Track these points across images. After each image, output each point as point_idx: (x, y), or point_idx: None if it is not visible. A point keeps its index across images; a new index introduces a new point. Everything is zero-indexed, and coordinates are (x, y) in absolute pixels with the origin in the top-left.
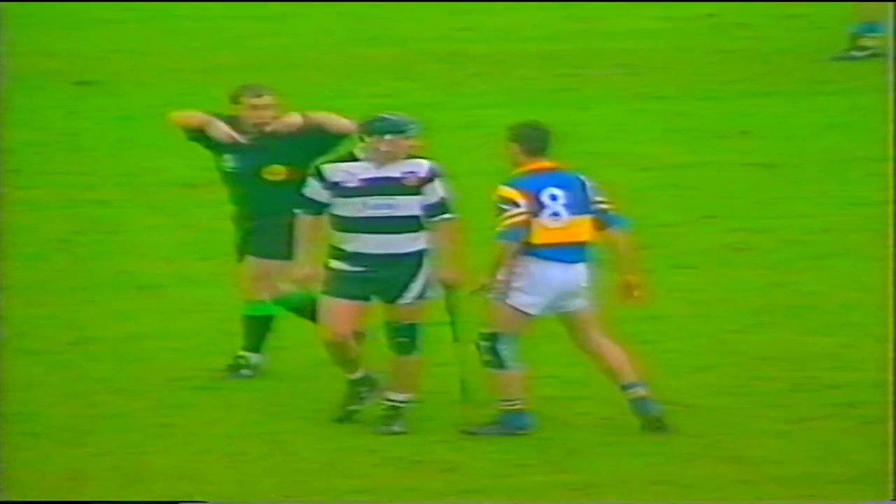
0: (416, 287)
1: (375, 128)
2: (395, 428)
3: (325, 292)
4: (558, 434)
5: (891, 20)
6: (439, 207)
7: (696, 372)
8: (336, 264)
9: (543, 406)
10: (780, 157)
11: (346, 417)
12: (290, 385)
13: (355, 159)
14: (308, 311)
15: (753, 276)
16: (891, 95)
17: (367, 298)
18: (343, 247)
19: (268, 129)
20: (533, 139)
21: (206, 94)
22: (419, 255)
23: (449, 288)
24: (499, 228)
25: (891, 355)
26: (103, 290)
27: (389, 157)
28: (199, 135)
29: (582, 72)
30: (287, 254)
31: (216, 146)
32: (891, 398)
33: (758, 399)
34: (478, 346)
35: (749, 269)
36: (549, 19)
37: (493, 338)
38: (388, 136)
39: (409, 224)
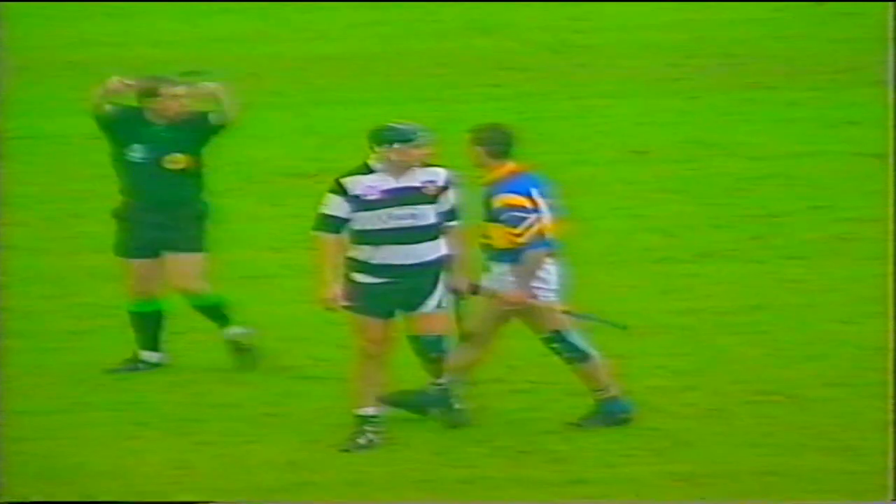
0: (436, 296)
1: (384, 137)
2: (457, 407)
3: (353, 309)
4: (666, 424)
5: (891, 20)
6: (451, 214)
7: (805, 362)
8: (361, 277)
9: (651, 396)
10: (890, 148)
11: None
12: (398, 374)
13: (370, 171)
14: (219, 313)
15: (863, 266)
16: (891, 94)
17: (391, 310)
18: (367, 259)
19: (176, 117)
20: (499, 141)
21: (311, 84)
22: (439, 262)
23: (458, 294)
24: (522, 239)
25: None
26: (210, 279)
27: (402, 167)
28: (111, 124)
29: (690, 61)
30: (193, 246)
31: (124, 136)
32: (890, 396)
33: (867, 390)
34: (555, 351)
35: (858, 260)
36: (658, 9)
37: (559, 336)
38: (396, 146)
39: (430, 232)
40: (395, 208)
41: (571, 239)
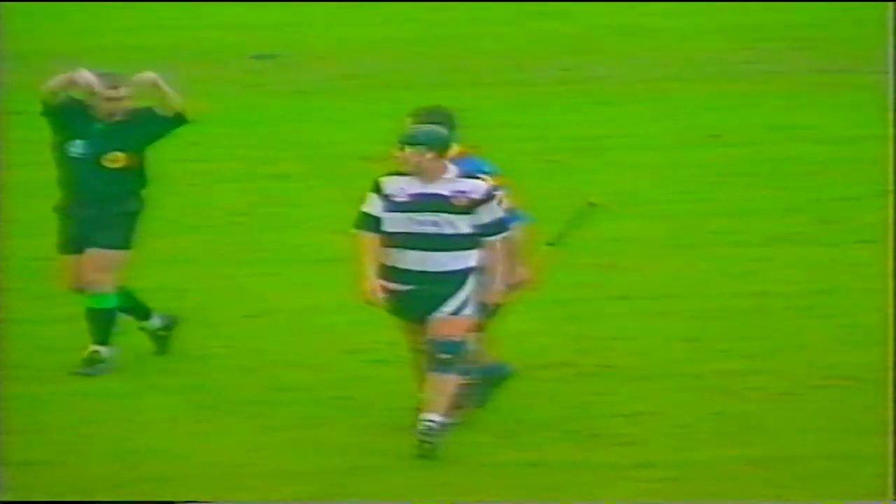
0: (452, 303)
1: (400, 138)
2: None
3: (390, 312)
4: (735, 407)
5: (891, 20)
6: (493, 227)
7: (872, 346)
8: (388, 284)
9: (720, 380)
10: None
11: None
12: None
13: (408, 172)
14: (135, 309)
15: None
16: (890, 94)
17: (422, 319)
18: (391, 264)
19: (116, 116)
20: (446, 123)
21: (379, 68)
22: (464, 272)
23: (489, 307)
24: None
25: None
26: (280, 263)
27: (416, 171)
28: (57, 113)
29: (760, 45)
30: (126, 243)
31: (68, 129)
32: (890, 398)
33: None
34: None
35: None
36: None
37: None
38: (407, 149)
39: (454, 242)
40: (418, 213)
41: (642, 222)
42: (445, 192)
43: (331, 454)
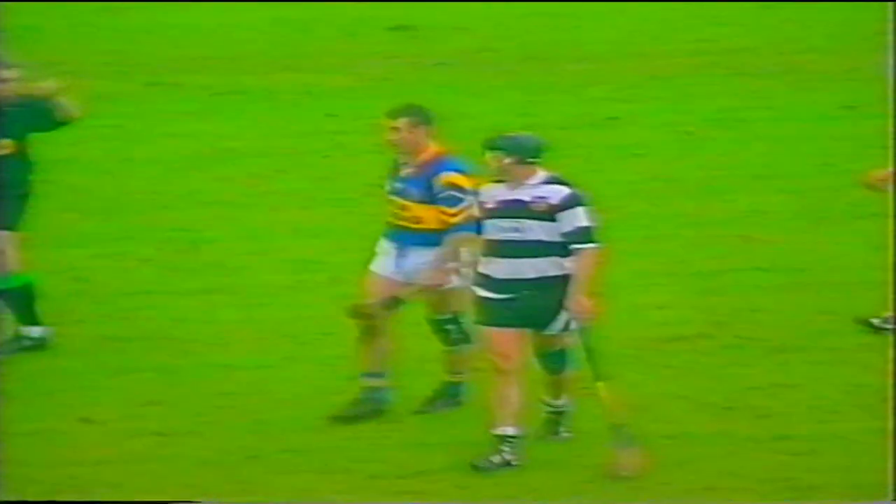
0: (563, 318)
1: (483, 143)
2: (563, 436)
3: (479, 322)
4: (875, 380)
5: (891, 20)
6: (577, 236)
7: None
8: (480, 291)
9: (858, 353)
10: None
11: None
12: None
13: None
14: (24, 302)
15: None
16: (890, 98)
17: (516, 325)
18: (482, 270)
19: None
20: (427, 121)
21: (519, 39)
22: (559, 281)
23: (577, 321)
24: (456, 220)
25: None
26: None
27: (501, 176)
28: None
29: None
30: (15, 225)
31: None
32: (890, 399)
33: None
34: (446, 332)
35: None
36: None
37: (456, 319)
38: (488, 154)
39: (536, 249)
40: (502, 220)
41: (780, 196)
42: (526, 198)
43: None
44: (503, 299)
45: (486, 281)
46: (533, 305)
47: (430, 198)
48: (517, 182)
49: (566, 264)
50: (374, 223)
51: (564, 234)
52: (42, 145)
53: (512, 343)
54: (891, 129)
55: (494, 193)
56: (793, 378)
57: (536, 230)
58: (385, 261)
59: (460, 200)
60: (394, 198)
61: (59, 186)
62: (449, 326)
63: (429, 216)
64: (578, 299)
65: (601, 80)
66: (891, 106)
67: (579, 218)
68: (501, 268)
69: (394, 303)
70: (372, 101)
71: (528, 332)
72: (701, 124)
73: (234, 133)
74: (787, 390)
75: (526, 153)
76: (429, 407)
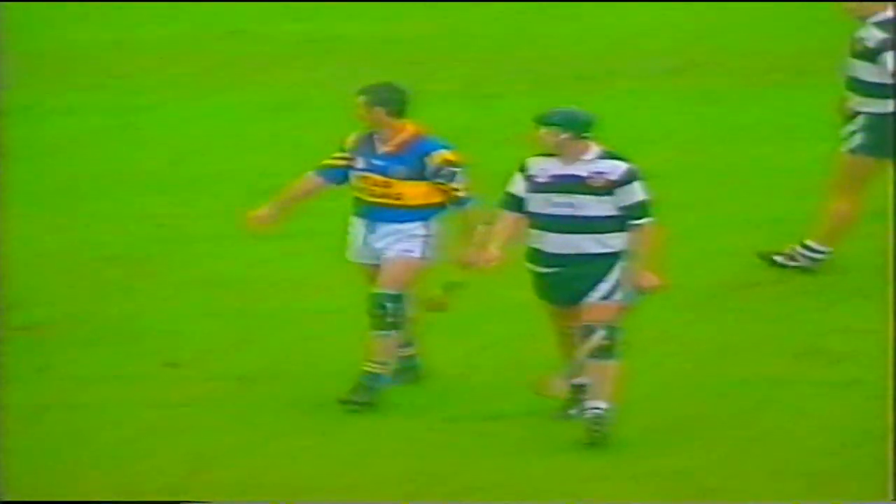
0: (603, 287)
1: (535, 118)
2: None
3: (537, 295)
4: None
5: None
6: (635, 210)
7: None
8: (531, 266)
9: None
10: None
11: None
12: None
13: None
14: None
15: None
16: (891, 100)
17: (567, 302)
18: (533, 246)
19: None
20: (398, 100)
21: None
22: (610, 256)
23: (640, 290)
24: (462, 193)
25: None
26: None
27: (554, 151)
28: None
29: None
30: None
31: None
32: (890, 396)
33: None
34: (380, 308)
35: None
36: None
37: (400, 298)
38: (542, 129)
39: (593, 225)
40: (556, 195)
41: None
42: (582, 174)
43: None
44: (552, 273)
45: (537, 256)
46: (578, 279)
47: (419, 175)
48: (572, 157)
49: (617, 240)
50: None
51: (623, 209)
52: (130, 96)
53: (570, 314)
54: (891, 131)
55: (546, 168)
56: (867, 323)
57: (592, 205)
58: (355, 245)
59: (462, 175)
60: (372, 174)
61: (142, 134)
62: (388, 304)
63: (414, 192)
64: (644, 274)
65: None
66: (891, 105)
67: (637, 193)
68: (552, 242)
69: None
70: (452, 47)
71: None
72: None
73: (321, 81)
74: (861, 335)
75: (581, 128)
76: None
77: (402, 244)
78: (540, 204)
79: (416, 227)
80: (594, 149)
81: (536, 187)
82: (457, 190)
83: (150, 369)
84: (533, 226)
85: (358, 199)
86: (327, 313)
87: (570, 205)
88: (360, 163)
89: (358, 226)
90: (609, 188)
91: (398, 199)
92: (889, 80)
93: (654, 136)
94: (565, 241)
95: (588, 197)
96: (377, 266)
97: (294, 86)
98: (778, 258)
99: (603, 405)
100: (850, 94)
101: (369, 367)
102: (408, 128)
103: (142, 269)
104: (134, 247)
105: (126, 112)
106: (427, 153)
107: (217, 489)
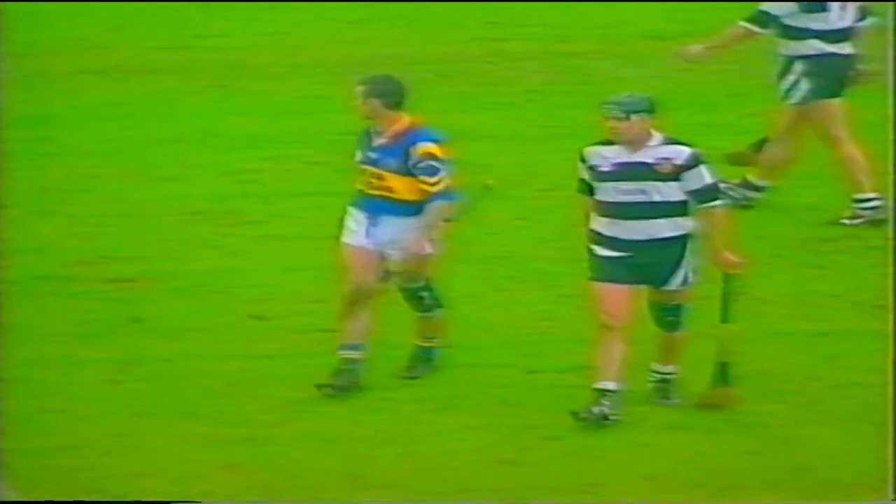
0: (681, 273)
1: (608, 108)
2: (674, 401)
3: (593, 278)
4: None
5: (891, 20)
6: (704, 194)
7: None
8: (597, 249)
9: None
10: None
11: (584, 420)
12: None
13: (612, 142)
14: None
15: None
16: (891, 99)
17: (632, 283)
18: (602, 231)
19: None
20: (395, 92)
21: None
22: (682, 240)
23: (727, 271)
24: (436, 189)
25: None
26: (573, 139)
27: (625, 140)
28: None
29: None
30: None
31: None
32: (890, 396)
33: None
34: (420, 299)
35: None
36: None
37: (430, 286)
38: (619, 118)
39: (664, 210)
40: (623, 182)
41: None
42: (649, 160)
43: None
44: (624, 257)
45: (607, 241)
46: (654, 263)
47: (406, 168)
48: (638, 144)
49: (689, 222)
50: (534, 127)
51: (692, 193)
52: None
53: (623, 301)
54: (891, 128)
55: (608, 156)
56: None
57: (662, 191)
58: (357, 231)
59: (438, 170)
60: (367, 167)
61: (233, 91)
62: (423, 294)
63: (402, 186)
64: (722, 255)
65: None
66: (891, 105)
67: (704, 176)
68: (626, 230)
69: (386, 276)
70: (529, 7)
71: (643, 289)
72: None
73: (394, 40)
74: None
75: (654, 112)
76: (408, 373)
77: (410, 238)
78: (609, 192)
79: (419, 221)
80: (657, 135)
81: (601, 176)
82: (432, 185)
83: (237, 321)
84: (602, 213)
85: (360, 191)
86: None
87: (643, 191)
88: (358, 155)
89: (358, 217)
90: (676, 173)
91: (391, 192)
92: (826, 26)
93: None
94: (640, 227)
95: (658, 183)
96: (380, 253)
97: None
98: (845, 221)
99: (671, 369)
100: (783, 41)
101: (422, 342)
102: (403, 120)
103: (228, 224)
104: (220, 202)
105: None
106: (413, 144)
107: (304, 440)
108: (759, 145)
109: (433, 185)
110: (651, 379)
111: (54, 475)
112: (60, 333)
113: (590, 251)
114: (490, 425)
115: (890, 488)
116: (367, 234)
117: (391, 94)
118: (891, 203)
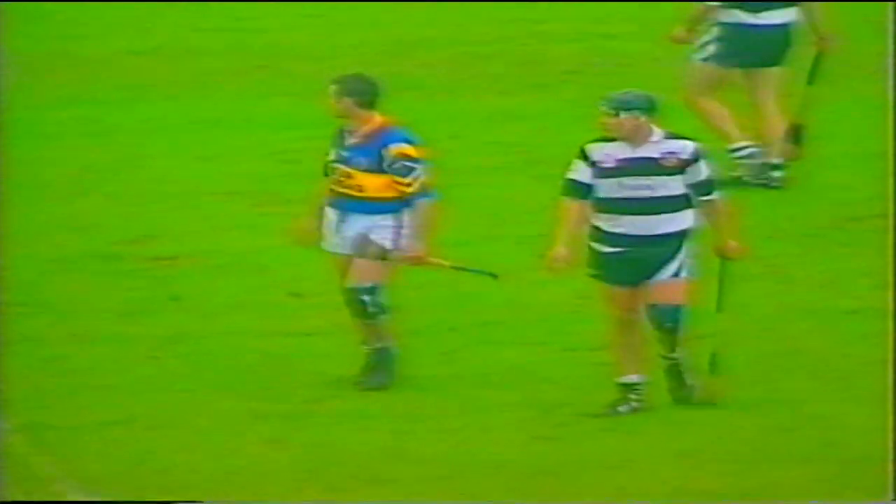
0: (673, 265)
1: (610, 105)
2: (688, 384)
3: (597, 277)
4: None
5: (891, 20)
6: (705, 186)
7: None
8: (599, 246)
9: None
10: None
11: (609, 413)
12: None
13: (614, 139)
14: None
15: None
16: (890, 98)
17: (635, 282)
18: (603, 227)
19: None
20: (368, 91)
21: None
22: (680, 234)
23: (725, 259)
24: (412, 189)
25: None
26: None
27: (627, 136)
28: None
29: None
30: None
31: None
32: (890, 395)
33: None
34: (364, 303)
35: None
36: None
37: (374, 289)
38: (622, 115)
39: (668, 204)
40: (629, 178)
41: None
42: (655, 155)
43: None
44: (622, 252)
45: (607, 237)
46: (649, 258)
47: (379, 167)
48: (639, 140)
49: (688, 217)
50: (571, 108)
51: (694, 186)
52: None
53: (631, 297)
54: (891, 128)
55: (611, 153)
56: None
57: (668, 185)
58: (330, 237)
59: (413, 170)
60: (338, 166)
61: (274, 72)
62: (365, 297)
63: (373, 185)
64: (729, 244)
65: None
66: (891, 105)
67: (705, 169)
68: (627, 224)
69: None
70: None
71: (641, 286)
72: None
73: (432, 21)
74: None
75: (652, 111)
76: (363, 381)
77: (372, 236)
78: (611, 188)
79: (386, 219)
80: (657, 130)
81: (604, 173)
82: (407, 185)
83: (277, 299)
84: (603, 210)
85: (331, 190)
86: (445, 246)
87: (648, 186)
88: (330, 154)
89: (331, 216)
90: (681, 167)
91: (360, 190)
92: None
93: None
94: (640, 222)
95: (664, 178)
96: (348, 257)
97: None
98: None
99: (677, 354)
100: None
101: (367, 346)
102: (375, 119)
103: (268, 203)
104: (261, 182)
105: None
106: (385, 145)
107: (343, 416)
108: (795, 130)
109: (408, 184)
110: (662, 365)
111: (99, 450)
112: (103, 310)
113: (591, 248)
114: (525, 402)
115: (890, 488)
116: (338, 237)
117: (363, 94)
118: (891, 202)
